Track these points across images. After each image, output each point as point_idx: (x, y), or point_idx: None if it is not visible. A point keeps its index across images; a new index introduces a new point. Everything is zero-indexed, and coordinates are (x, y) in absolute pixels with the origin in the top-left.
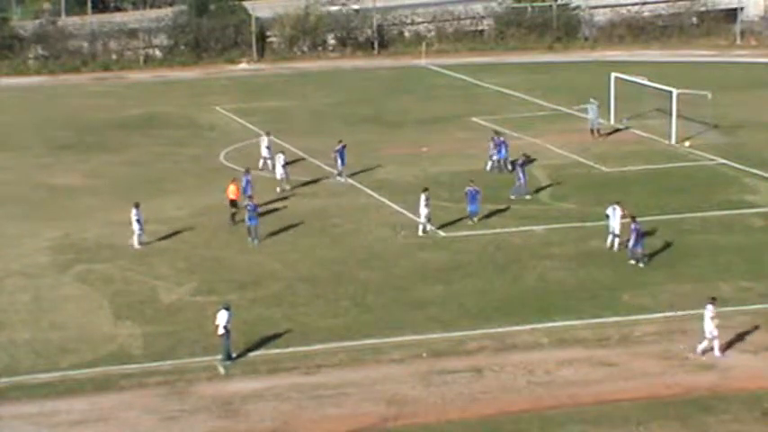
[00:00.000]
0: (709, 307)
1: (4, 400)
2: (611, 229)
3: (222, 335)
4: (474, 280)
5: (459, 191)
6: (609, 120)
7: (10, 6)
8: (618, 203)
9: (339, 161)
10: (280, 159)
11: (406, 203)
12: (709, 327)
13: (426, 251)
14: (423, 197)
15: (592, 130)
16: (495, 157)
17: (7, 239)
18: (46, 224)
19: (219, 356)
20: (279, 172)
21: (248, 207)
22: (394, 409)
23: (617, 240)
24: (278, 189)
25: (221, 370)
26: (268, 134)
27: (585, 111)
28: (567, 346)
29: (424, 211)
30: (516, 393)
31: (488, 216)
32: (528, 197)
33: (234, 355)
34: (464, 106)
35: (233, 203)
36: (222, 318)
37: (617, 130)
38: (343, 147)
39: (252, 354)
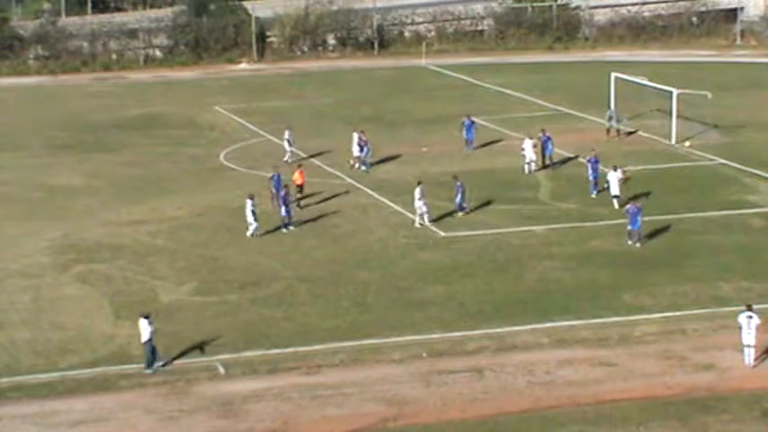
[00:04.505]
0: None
1: (4, 400)
2: (612, 193)
3: (146, 342)
4: (474, 280)
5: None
6: (606, 120)
7: (10, 6)
8: (616, 167)
9: (365, 151)
10: (355, 138)
11: (405, 203)
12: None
13: (426, 251)
14: (417, 191)
15: (618, 131)
16: (465, 137)
17: (7, 239)
18: (46, 224)
19: (157, 363)
20: (355, 150)
21: (281, 197)
22: (394, 409)
23: (616, 201)
24: (351, 163)
25: (221, 370)
26: (290, 128)
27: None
28: (567, 346)
29: (418, 204)
30: (516, 393)
31: (477, 209)
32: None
33: (161, 363)
34: (464, 106)
35: (299, 188)
36: (144, 327)
37: (634, 132)
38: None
39: (252, 354)
